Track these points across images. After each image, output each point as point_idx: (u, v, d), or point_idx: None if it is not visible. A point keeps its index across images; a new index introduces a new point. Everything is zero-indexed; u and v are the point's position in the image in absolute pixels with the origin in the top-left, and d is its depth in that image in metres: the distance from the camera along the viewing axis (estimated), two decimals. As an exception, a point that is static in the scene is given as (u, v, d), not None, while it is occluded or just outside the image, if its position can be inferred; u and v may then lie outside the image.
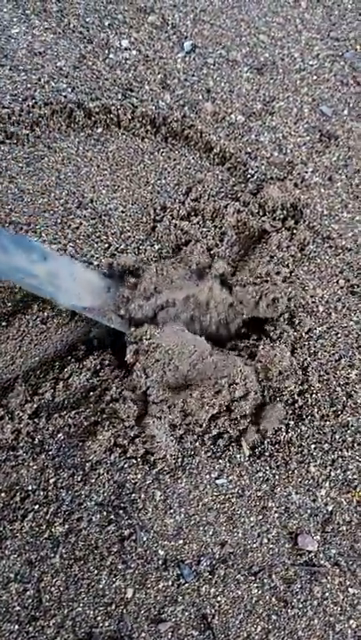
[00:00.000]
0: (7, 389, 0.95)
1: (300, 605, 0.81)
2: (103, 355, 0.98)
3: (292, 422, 0.92)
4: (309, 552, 0.84)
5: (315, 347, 0.98)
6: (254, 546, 0.85)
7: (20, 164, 1.17)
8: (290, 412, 0.93)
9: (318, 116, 1.23)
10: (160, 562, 0.83)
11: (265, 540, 0.85)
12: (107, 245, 1.08)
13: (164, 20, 1.35)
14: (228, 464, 0.90)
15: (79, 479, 0.88)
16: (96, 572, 0.82)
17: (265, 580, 0.82)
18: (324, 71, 1.29)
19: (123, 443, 0.89)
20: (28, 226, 1.10)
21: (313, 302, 1.01)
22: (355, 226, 1.10)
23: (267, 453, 0.90)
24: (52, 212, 1.12)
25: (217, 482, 0.88)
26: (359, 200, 1.14)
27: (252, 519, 0.86)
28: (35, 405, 0.93)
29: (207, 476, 0.89)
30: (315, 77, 1.28)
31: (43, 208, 1.12)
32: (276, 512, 0.87)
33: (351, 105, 1.24)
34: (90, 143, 1.19)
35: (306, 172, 1.16)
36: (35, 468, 0.89)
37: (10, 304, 1.02)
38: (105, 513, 0.86)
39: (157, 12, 1.36)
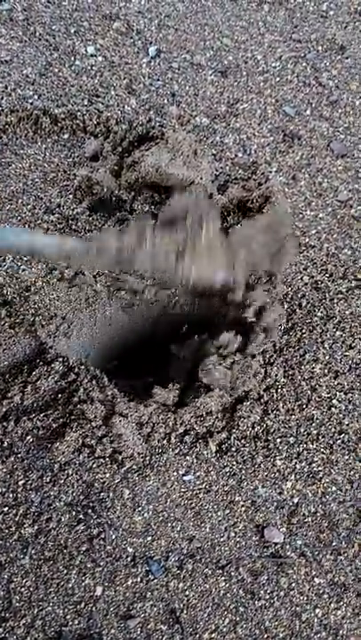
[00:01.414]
0: (-24, 394, 0.96)
1: (267, 597, 0.82)
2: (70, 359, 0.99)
3: (258, 417, 0.93)
4: (276, 544, 0.86)
5: (280, 342, 1.00)
6: (222, 540, 0.86)
7: (-13, 172, 1.18)
8: (255, 405, 0.94)
9: (282, 116, 1.26)
10: (129, 559, 0.84)
11: (232, 534, 0.86)
12: (74, 249, 1.09)
13: (128, 26, 1.37)
14: (195, 460, 0.91)
15: (48, 480, 0.89)
16: (65, 571, 0.83)
17: (232, 573, 0.84)
18: (286, 72, 1.32)
19: (90, 443, 0.90)
20: (-4, 232, 1.10)
21: (278, 299, 1.03)
22: (318, 223, 1.12)
23: (233, 449, 0.91)
24: (19, 217, 1.13)
25: (184, 478, 0.90)
26: (322, 198, 1.16)
27: (219, 514, 0.87)
28: (4, 409, 0.94)
29: (175, 473, 0.90)
30: (278, 79, 1.31)
31: (10, 214, 1.13)
32: (242, 506, 0.88)
33: (313, 105, 1.27)
34: (56, 149, 1.21)
35: (270, 172, 1.17)
36: (4, 470, 0.90)
37: (-22, 310, 1.03)
38: (74, 513, 0.87)
39: (122, 19, 1.38)
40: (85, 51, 1.33)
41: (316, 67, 1.32)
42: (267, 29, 1.38)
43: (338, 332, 1.01)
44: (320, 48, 1.35)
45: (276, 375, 0.97)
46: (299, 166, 1.19)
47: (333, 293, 1.05)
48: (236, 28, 1.38)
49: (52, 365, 0.97)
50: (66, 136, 1.22)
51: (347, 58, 1.33)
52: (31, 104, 1.25)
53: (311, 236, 1.09)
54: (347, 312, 1.03)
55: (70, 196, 1.14)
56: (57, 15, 1.38)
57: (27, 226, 1.12)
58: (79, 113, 1.22)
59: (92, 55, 1.33)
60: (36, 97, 1.26)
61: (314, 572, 0.84)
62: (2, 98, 1.26)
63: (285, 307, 1.03)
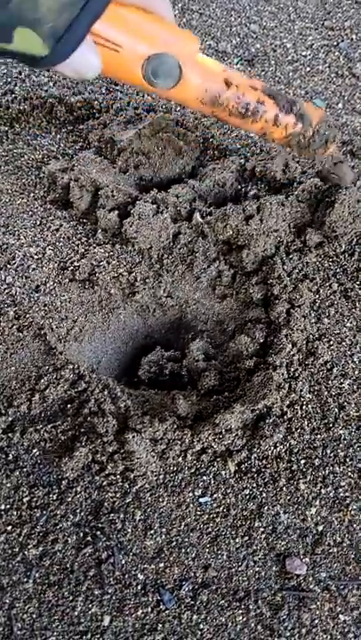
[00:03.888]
0: (-19, 402, 0.90)
1: (288, 634, 0.76)
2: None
3: (280, 436, 0.87)
4: (298, 576, 0.79)
5: (306, 354, 0.93)
6: (239, 569, 0.80)
7: (-1, 163, 1.11)
8: (279, 423, 0.87)
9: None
10: (139, 587, 0.78)
11: (251, 563, 0.80)
12: (86, 248, 1.03)
13: (150, 9, 1.29)
14: (212, 481, 0.85)
15: (55, 498, 0.83)
16: (71, 597, 0.77)
17: (250, 607, 0.78)
18: (317, 62, 1.23)
19: (101, 459, 0.84)
20: (7, 227, 1.05)
21: (305, 307, 0.96)
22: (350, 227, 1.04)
23: (254, 469, 0.85)
24: (30, 212, 1.07)
25: (200, 500, 0.83)
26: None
27: (237, 540, 0.81)
28: (9, 419, 0.88)
29: (190, 494, 0.84)
30: (308, 69, 1.23)
31: (22, 209, 1.07)
32: (263, 533, 0.82)
33: (346, 98, 1.19)
34: (71, 140, 1.14)
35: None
36: (8, 486, 0.84)
37: (-15, 311, 0.97)
38: (82, 534, 0.81)
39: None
40: (104, 35, 1.25)
41: (350, 56, 1.23)
42: (297, 15, 1.30)
43: (368, 345, 0.94)
44: (354, 36, 1.26)
45: (302, 390, 0.90)
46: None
47: (364, 302, 0.98)
48: (264, 14, 1.30)
49: (62, 373, 0.91)
50: (82, 126, 1.15)
51: (382, 47, 1.24)
52: (46, 91, 1.18)
53: (340, 235, 1.02)
54: (378, 323, 0.96)
55: (85, 191, 1.07)
56: (75, -3, 1.30)
57: (38, 221, 1.06)
58: (96, 102, 1.15)
59: (111, 40, 1.25)
60: (51, 84, 1.19)
61: (339, 609, 0.78)
62: (15, 84, 1.20)
63: (313, 315, 0.96)
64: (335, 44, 1.25)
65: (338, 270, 1.01)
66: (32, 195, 1.08)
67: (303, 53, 1.24)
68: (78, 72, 0.62)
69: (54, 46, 0.51)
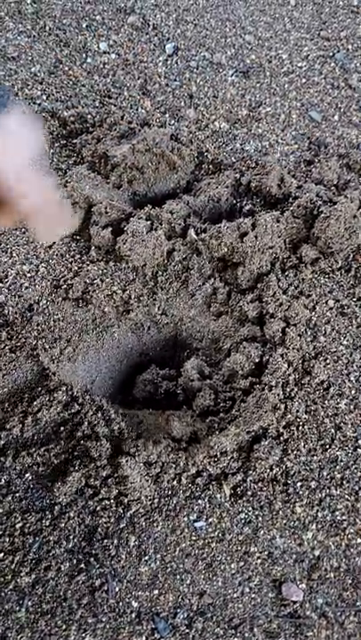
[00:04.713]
0: (-27, 424, 0.89)
1: (284, 662, 0.75)
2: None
3: (276, 458, 0.85)
4: (294, 602, 0.78)
5: (301, 373, 0.92)
6: (235, 596, 0.79)
7: (-9, 179, 1.10)
8: (274, 444, 0.86)
9: (307, 122, 1.16)
10: (133, 615, 0.77)
11: (247, 590, 0.79)
12: (80, 265, 1.01)
13: (144, 20, 1.28)
14: (207, 505, 0.83)
15: (48, 524, 0.82)
16: (64, 626, 0.76)
17: (246, 634, 0.76)
18: (313, 73, 1.22)
19: (94, 484, 0.83)
20: (-1, 245, 1.03)
21: (301, 325, 0.94)
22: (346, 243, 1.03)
23: (249, 493, 0.84)
24: (23, 229, 1.05)
25: (196, 525, 0.82)
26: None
27: (232, 566, 0.80)
28: (1, 442, 0.87)
29: (185, 519, 0.82)
30: (304, 80, 1.21)
31: (13, 225, 1.06)
32: (258, 558, 0.81)
33: (342, 110, 1.17)
34: (64, 154, 1.13)
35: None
36: (1, 511, 0.83)
37: (-23, 331, 0.96)
38: (75, 561, 0.80)
39: (138, 13, 1.29)
40: (98, 47, 1.25)
41: (346, 67, 1.22)
42: (293, 26, 1.28)
43: (365, 364, 0.93)
44: (350, 47, 1.25)
45: (298, 411, 0.89)
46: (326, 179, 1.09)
47: (361, 320, 0.97)
48: (259, 24, 1.29)
49: (55, 395, 0.90)
50: (75, 141, 1.13)
51: (379, 58, 1.23)
52: (39, 105, 1.17)
53: (336, 251, 1.00)
54: (375, 341, 0.95)
55: (78, 207, 1.06)
56: (68, 8, 1.29)
57: (31, 237, 1.04)
58: (89, 116, 1.14)
59: (104, 52, 1.24)
60: (44, 97, 1.18)
61: (336, 636, 0.77)
62: (7, 97, 1.18)
63: (309, 333, 0.95)
64: (331, 54, 1.24)
65: (334, 287, 0.99)
66: (25, 211, 1.07)
67: (299, 64, 1.23)
68: None
69: None
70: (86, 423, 0.87)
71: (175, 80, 1.21)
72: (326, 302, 0.98)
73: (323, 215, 0.98)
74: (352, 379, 0.92)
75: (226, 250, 0.96)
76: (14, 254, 1.02)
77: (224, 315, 0.99)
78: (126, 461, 0.82)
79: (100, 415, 0.88)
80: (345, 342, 0.95)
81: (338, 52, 1.24)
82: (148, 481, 0.83)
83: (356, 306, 0.98)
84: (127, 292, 1.00)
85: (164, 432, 0.88)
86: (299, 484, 0.85)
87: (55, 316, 0.98)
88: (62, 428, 0.88)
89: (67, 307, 0.99)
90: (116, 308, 1.00)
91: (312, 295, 0.98)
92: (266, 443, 0.86)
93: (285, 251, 1.00)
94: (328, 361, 0.93)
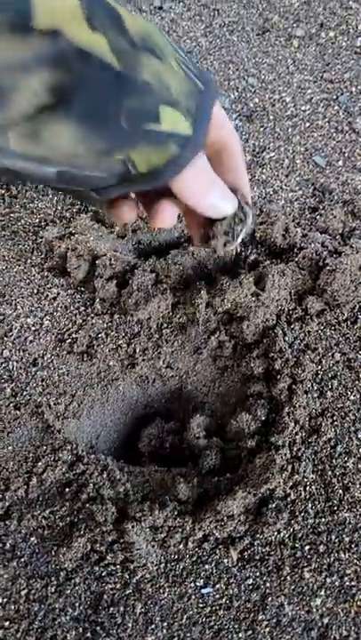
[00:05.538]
0: (-23, 485, 0.88)
1: None
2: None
3: (284, 521, 0.84)
4: (303, 673, 0.77)
5: (308, 431, 0.91)
6: (243, 666, 0.77)
7: (-5, 228, 1.10)
8: (282, 507, 0.85)
9: (312, 167, 1.16)
10: None
11: (255, 660, 0.78)
12: (84, 318, 1.01)
13: (147, 63, 1.28)
14: (214, 570, 0.82)
15: (53, 590, 0.81)
16: None
17: None
18: (317, 117, 1.22)
19: (100, 549, 0.82)
20: (3, 297, 1.03)
21: (307, 382, 0.94)
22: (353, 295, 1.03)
23: (257, 557, 0.83)
24: (28, 280, 1.05)
25: (203, 591, 0.81)
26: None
27: (240, 635, 0.79)
28: (6, 504, 0.86)
29: (192, 585, 0.82)
30: (307, 124, 1.21)
31: (19, 277, 1.06)
32: (267, 626, 0.79)
33: (346, 154, 1.17)
34: (68, 202, 1.13)
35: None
36: (5, 577, 0.82)
37: (-18, 387, 0.96)
38: (81, 629, 0.79)
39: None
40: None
41: (350, 110, 1.22)
42: (296, 67, 1.28)
43: (373, 420, 0.92)
44: (353, 89, 1.24)
45: (305, 471, 0.88)
46: (331, 228, 1.09)
47: (368, 374, 0.96)
48: (263, 66, 1.29)
49: (60, 454, 0.89)
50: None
51: (383, 101, 1.22)
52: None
53: (342, 310, 1.00)
54: (383, 396, 0.94)
55: (82, 258, 1.05)
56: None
57: (36, 289, 1.04)
58: (93, 164, 1.14)
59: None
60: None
61: None
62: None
63: (315, 388, 0.94)
64: (335, 97, 1.23)
65: (340, 339, 0.99)
66: (29, 261, 1.07)
67: (302, 108, 1.23)
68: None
69: (194, 123, 0.43)
70: (91, 485, 0.87)
71: (179, 124, 1.21)
72: (333, 355, 0.97)
73: (328, 268, 0.97)
74: (359, 436, 0.91)
75: (230, 305, 0.96)
76: (19, 307, 1.02)
77: (230, 369, 0.98)
78: (132, 527, 0.81)
79: (105, 476, 0.88)
80: (352, 397, 0.94)
81: (341, 94, 1.24)
82: (154, 546, 0.82)
83: (363, 359, 0.97)
84: (132, 345, 0.99)
85: (170, 493, 0.87)
86: (307, 547, 0.84)
87: (60, 371, 0.98)
88: (67, 489, 0.87)
89: (71, 361, 0.98)
90: (120, 362, 0.99)
91: (318, 348, 0.97)
92: (273, 505, 0.85)
93: (291, 302, 1.00)
94: (335, 417, 0.92)
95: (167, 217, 0.50)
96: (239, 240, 0.48)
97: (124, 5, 1.36)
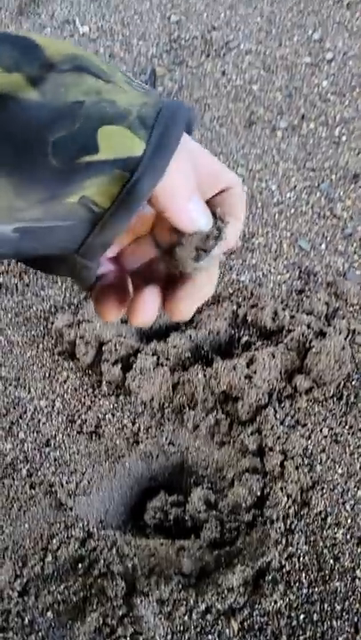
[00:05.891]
0: (-3, 562, 0.96)
1: None
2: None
3: (280, 592, 0.92)
4: None
5: (300, 503, 0.99)
6: None
7: (10, 315, 1.20)
8: (278, 578, 0.93)
9: (297, 251, 1.27)
10: None
11: None
12: (92, 399, 1.10)
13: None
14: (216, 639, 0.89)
15: (69, 663, 0.88)
16: None
17: None
18: (301, 204, 1.34)
19: (111, 623, 0.89)
20: (18, 381, 1.12)
21: (298, 458, 1.02)
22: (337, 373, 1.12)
23: (256, 627, 0.90)
24: (40, 364, 1.15)
25: (206, 661, 0.88)
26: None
27: None
28: (24, 580, 0.94)
29: (197, 655, 0.88)
30: (292, 210, 1.33)
31: (32, 361, 1.15)
32: None
33: (328, 239, 1.28)
34: (76, 290, 1.23)
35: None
36: (24, 651, 0.89)
37: (-1, 467, 1.04)
38: None
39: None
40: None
41: (330, 197, 1.34)
42: (281, 157, 1.41)
43: (359, 492, 1.00)
44: (333, 177, 1.37)
45: (298, 543, 0.96)
46: (316, 310, 1.19)
47: (354, 447, 1.04)
48: (250, 157, 1.41)
49: (72, 532, 0.97)
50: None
51: (360, 187, 1.34)
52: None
53: (328, 387, 1.09)
54: (368, 469, 1.02)
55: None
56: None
57: (47, 373, 1.14)
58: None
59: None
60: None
61: None
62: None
63: (305, 462, 1.03)
64: (316, 184, 1.36)
65: (327, 415, 1.08)
66: (41, 346, 1.17)
67: (288, 195, 1.35)
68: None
69: (150, 137, 0.33)
70: (102, 561, 0.94)
71: (175, 213, 1.32)
72: (321, 430, 1.06)
73: (314, 350, 1.07)
74: (348, 507, 0.99)
75: (225, 387, 1.05)
76: (32, 390, 1.11)
77: (227, 444, 1.07)
78: (140, 602, 0.89)
79: (114, 552, 0.95)
80: (339, 471, 1.02)
81: (323, 182, 1.36)
82: (161, 619, 0.89)
83: (349, 434, 1.06)
84: (137, 424, 1.08)
85: (175, 567, 0.94)
86: (302, 616, 0.91)
87: (70, 450, 1.06)
88: (80, 565, 0.95)
89: (81, 440, 1.07)
90: (126, 440, 1.08)
91: (308, 424, 1.06)
92: (270, 577, 0.92)
93: (281, 381, 1.09)
94: (325, 490, 1.00)
95: (148, 313, 0.41)
96: (212, 256, 0.40)
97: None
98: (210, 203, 0.40)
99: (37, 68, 0.32)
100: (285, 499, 0.98)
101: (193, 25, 1.65)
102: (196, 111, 1.42)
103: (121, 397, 1.10)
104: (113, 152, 0.32)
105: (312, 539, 0.97)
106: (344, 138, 1.42)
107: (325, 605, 0.92)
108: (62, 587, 0.93)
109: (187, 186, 0.37)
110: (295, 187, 1.36)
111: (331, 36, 1.59)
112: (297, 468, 1.01)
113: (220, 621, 0.91)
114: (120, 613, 0.90)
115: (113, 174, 0.33)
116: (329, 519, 0.98)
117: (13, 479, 1.02)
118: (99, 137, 0.32)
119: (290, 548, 0.95)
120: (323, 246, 1.27)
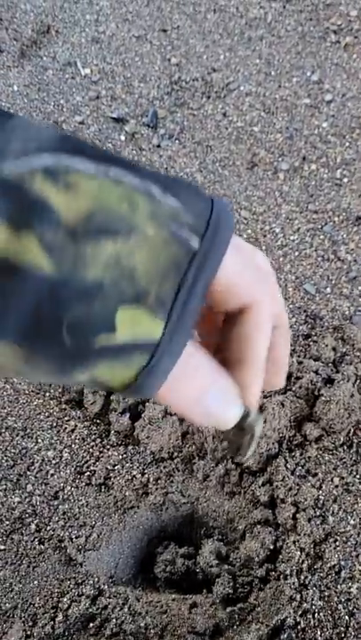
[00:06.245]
0: (6, 622, 0.94)
1: None
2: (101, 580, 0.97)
3: (295, 648, 0.90)
4: None
5: (314, 557, 0.98)
6: None
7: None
8: (293, 636, 0.91)
9: (302, 294, 1.28)
10: None
11: None
12: (101, 450, 1.09)
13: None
14: None
15: None
16: None
17: None
18: (305, 246, 1.34)
19: None
20: (25, 431, 1.11)
21: (310, 510, 1.01)
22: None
23: None
24: (47, 413, 1.14)
25: None
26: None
27: None
28: (35, 641, 0.92)
29: None
30: (297, 253, 1.33)
31: (38, 410, 1.14)
32: None
33: (333, 282, 1.29)
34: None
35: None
36: None
37: (7, 522, 1.03)
38: None
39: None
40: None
41: (334, 239, 1.35)
42: (283, 199, 1.42)
43: (372, 544, 0.99)
44: (336, 219, 1.38)
45: (313, 599, 0.94)
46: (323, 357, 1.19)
47: (365, 497, 1.04)
48: (253, 199, 1.42)
49: (83, 589, 0.96)
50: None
51: (363, 229, 1.35)
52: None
53: (337, 434, 1.09)
54: (380, 519, 1.02)
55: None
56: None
57: (54, 422, 1.13)
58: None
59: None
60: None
61: None
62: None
63: (318, 513, 1.02)
64: (320, 227, 1.37)
65: (338, 463, 1.07)
66: (48, 395, 1.16)
67: (291, 238, 1.36)
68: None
69: (169, 318, 0.31)
70: (114, 620, 0.93)
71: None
72: (332, 480, 1.05)
73: (323, 399, 1.07)
74: (361, 560, 0.98)
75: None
76: (39, 440, 1.10)
77: (237, 495, 1.06)
78: (154, 664, 0.87)
79: (126, 610, 0.94)
80: (352, 522, 1.01)
81: (326, 224, 1.37)
82: None
83: (360, 482, 1.05)
84: (146, 475, 1.07)
85: (188, 625, 0.93)
86: None
87: (79, 502, 1.05)
88: (91, 625, 0.93)
89: (90, 492, 1.06)
90: (135, 491, 1.07)
91: (318, 474, 1.05)
92: (285, 636, 0.91)
93: (291, 429, 1.09)
94: (338, 542, 0.99)
95: None
96: (249, 454, 0.37)
97: (127, 146, 1.51)
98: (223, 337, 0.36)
99: (57, 233, 0.29)
100: (299, 552, 0.97)
101: (193, 67, 1.67)
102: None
103: (130, 447, 1.09)
104: (132, 334, 0.30)
105: (326, 594, 0.95)
106: (346, 180, 1.44)
107: (342, 664, 0.90)
108: (73, 648, 0.91)
109: (193, 381, 0.33)
110: (298, 229, 1.37)
111: (329, 77, 1.62)
112: (309, 520, 1.00)
113: None
114: None
115: (130, 358, 0.30)
116: (343, 573, 0.97)
117: (22, 534, 1.01)
118: (118, 318, 0.30)
119: (304, 604, 0.94)
120: (328, 290, 1.28)
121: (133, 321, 0.30)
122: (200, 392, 0.34)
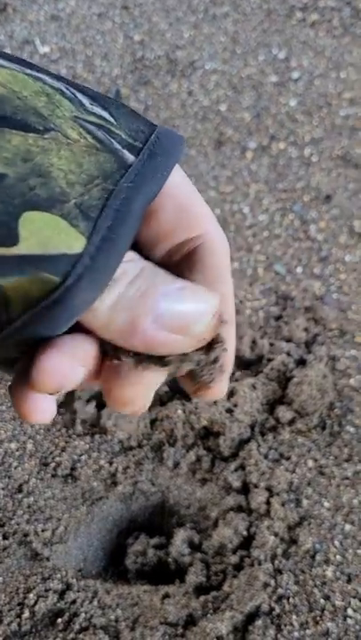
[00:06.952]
0: (-31, 622, 0.90)
1: None
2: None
3: (271, 635, 0.88)
4: None
5: (288, 542, 0.96)
6: None
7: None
8: (268, 622, 0.89)
9: (273, 275, 1.25)
10: None
11: None
12: (67, 440, 1.05)
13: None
14: None
15: None
16: None
17: None
18: (274, 226, 1.31)
19: None
20: (-14, 422, 1.06)
21: (283, 493, 0.99)
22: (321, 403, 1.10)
23: None
24: (9, 404, 1.09)
25: None
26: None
27: None
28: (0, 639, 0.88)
29: None
30: (266, 233, 1.30)
31: (0, 400, 1.09)
32: None
33: (303, 262, 1.26)
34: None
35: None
36: None
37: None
38: None
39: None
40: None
41: (304, 219, 1.32)
42: (252, 179, 1.39)
43: (347, 526, 0.97)
44: (306, 198, 1.35)
45: (287, 583, 0.92)
46: (295, 338, 1.17)
47: (339, 479, 1.02)
48: (221, 179, 1.39)
49: (50, 584, 0.91)
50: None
51: (333, 208, 1.33)
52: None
53: (310, 416, 1.06)
54: (354, 501, 1.00)
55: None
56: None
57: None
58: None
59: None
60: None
61: None
62: None
63: (291, 497, 0.99)
64: (289, 206, 1.34)
65: (311, 446, 1.05)
66: (9, 384, 1.11)
67: (260, 217, 1.32)
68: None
69: (93, 231, 0.25)
70: (83, 614, 0.89)
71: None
72: (305, 463, 1.03)
73: (295, 380, 1.04)
74: (336, 543, 0.96)
75: (206, 422, 1.01)
76: (1, 432, 1.06)
77: (209, 482, 1.03)
78: (125, 659, 0.83)
79: (95, 603, 0.90)
80: (326, 504, 0.99)
81: (295, 203, 1.34)
82: (147, 675, 0.85)
83: (334, 465, 1.03)
84: (114, 464, 1.03)
85: (160, 616, 0.90)
86: (294, 662, 0.87)
87: (45, 495, 1.01)
88: (59, 620, 0.89)
89: (56, 484, 1.02)
90: (103, 482, 1.03)
91: (292, 457, 1.03)
92: (260, 622, 0.88)
93: (263, 413, 1.06)
94: (312, 526, 0.97)
95: (39, 413, 0.32)
96: (219, 381, 0.30)
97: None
98: (177, 264, 0.31)
99: None
100: (273, 537, 0.94)
101: (157, 45, 1.63)
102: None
103: (96, 437, 1.05)
104: (37, 246, 0.25)
105: (301, 578, 0.93)
106: (314, 158, 1.41)
107: (318, 649, 0.88)
108: (41, 645, 0.87)
109: (134, 304, 0.27)
110: (268, 209, 1.34)
111: (296, 55, 1.58)
112: (283, 504, 0.98)
113: (210, 674, 0.86)
114: (104, 672, 0.84)
115: (38, 274, 0.25)
116: (318, 556, 0.95)
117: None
118: (21, 225, 0.25)
119: (279, 589, 0.91)
120: (299, 270, 1.25)
121: (44, 229, 0.25)
122: (152, 297, 0.27)
